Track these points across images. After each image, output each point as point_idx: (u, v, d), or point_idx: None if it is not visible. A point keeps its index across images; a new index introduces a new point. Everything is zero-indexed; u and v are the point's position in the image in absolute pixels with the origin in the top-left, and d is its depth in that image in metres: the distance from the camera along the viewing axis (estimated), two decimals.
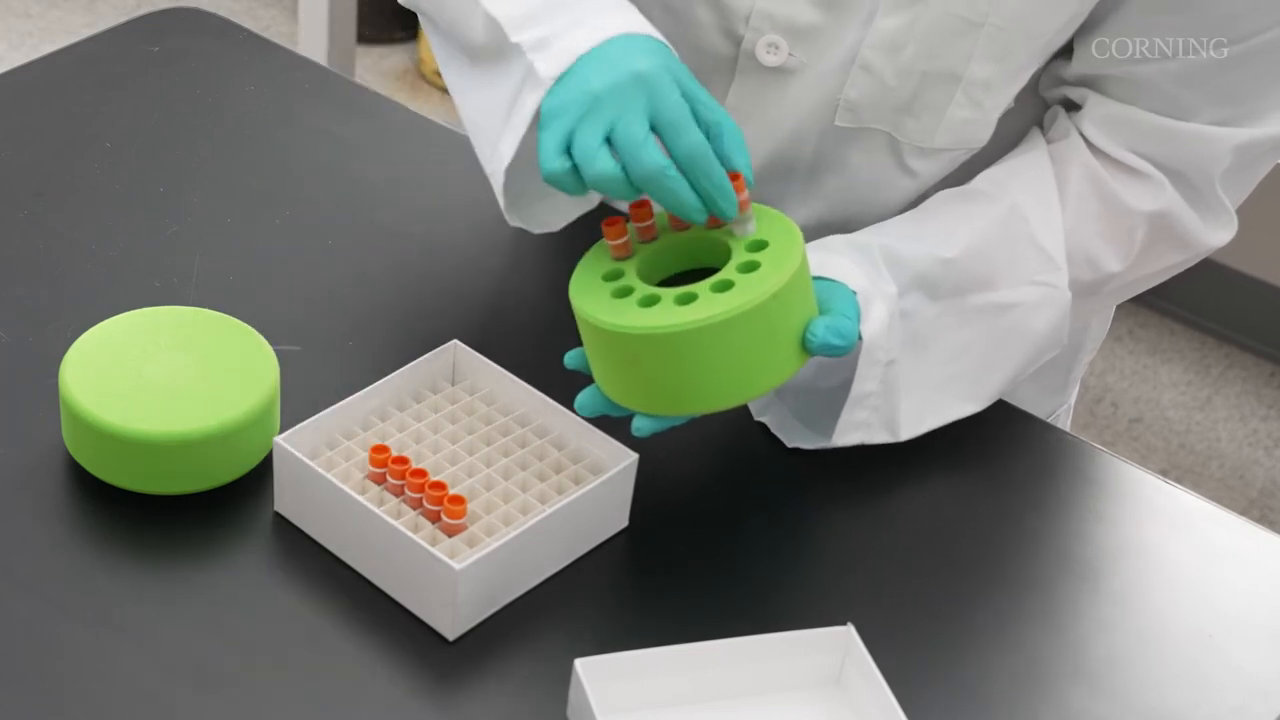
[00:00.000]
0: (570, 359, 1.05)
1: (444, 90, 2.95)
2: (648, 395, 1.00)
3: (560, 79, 1.02)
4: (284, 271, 1.25)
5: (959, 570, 1.09)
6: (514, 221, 1.12)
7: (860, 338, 1.05)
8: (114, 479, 1.05)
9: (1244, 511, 2.46)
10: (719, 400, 0.99)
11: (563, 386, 1.09)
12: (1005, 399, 1.21)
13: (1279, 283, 2.64)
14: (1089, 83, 1.16)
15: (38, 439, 1.09)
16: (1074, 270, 1.16)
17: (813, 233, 1.20)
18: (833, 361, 1.11)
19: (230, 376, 1.07)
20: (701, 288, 0.98)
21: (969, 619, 1.07)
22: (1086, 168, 1.16)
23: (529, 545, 1.02)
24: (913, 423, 1.13)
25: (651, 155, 0.98)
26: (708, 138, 1.00)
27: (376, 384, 1.09)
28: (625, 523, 1.08)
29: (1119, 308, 1.54)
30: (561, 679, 0.98)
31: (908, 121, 1.16)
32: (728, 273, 0.99)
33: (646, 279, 1.02)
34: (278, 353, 1.10)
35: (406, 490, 1.04)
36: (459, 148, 1.37)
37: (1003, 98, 1.15)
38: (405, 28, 3.22)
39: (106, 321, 1.10)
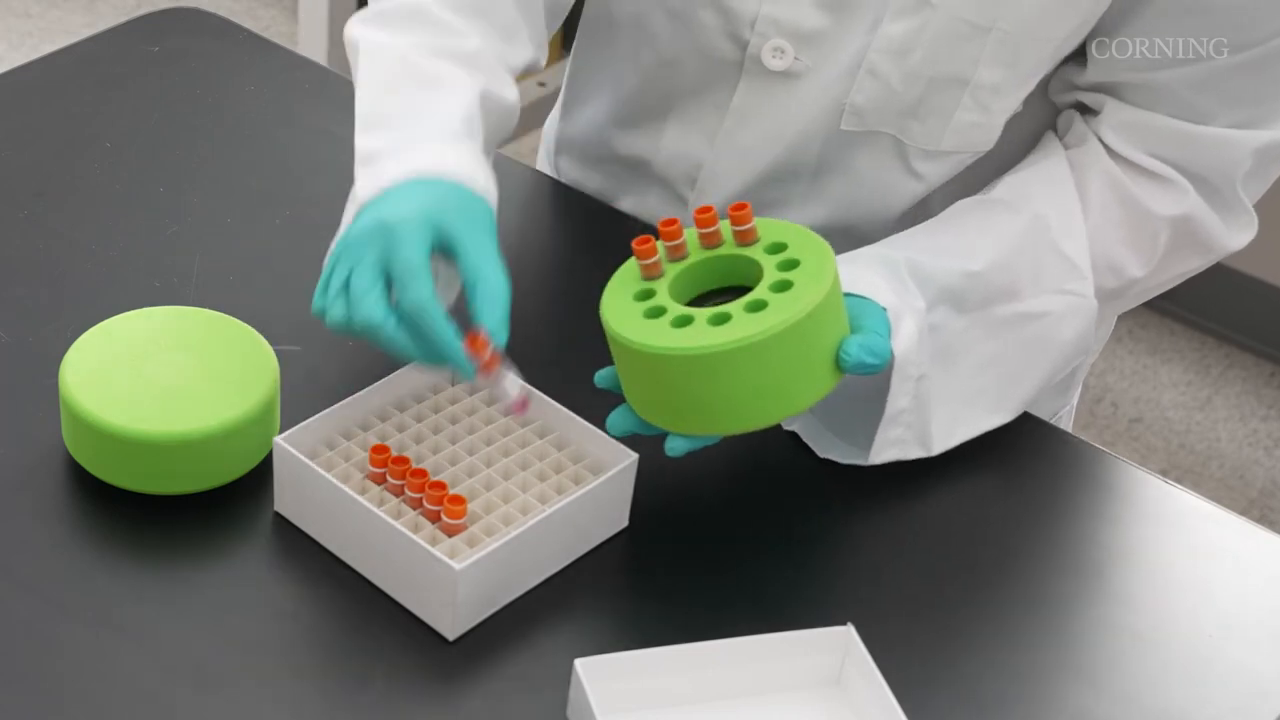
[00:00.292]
0: (600, 378, 1.05)
1: None
2: (682, 415, 1.00)
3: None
4: (284, 271, 1.25)
5: (959, 570, 1.09)
6: None
7: (892, 354, 1.05)
8: (114, 479, 1.05)
9: (1244, 511, 2.46)
10: (753, 420, 0.99)
11: (563, 386, 1.10)
12: None
13: (1279, 283, 2.64)
14: (1105, 88, 1.16)
15: (38, 439, 1.09)
16: (1098, 277, 1.15)
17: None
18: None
19: (230, 376, 1.07)
20: (735, 308, 0.98)
21: (969, 619, 1.07)
22: (1107, 174, 1.15)
23: (529, 545, 1.02)
24: (944, 436, 1.12)
25: (368, 308, 0.98)
26: (470, 289, 0.99)
27: (376, 384, 1.09)
28: (625, 523, 1.08)
29: None
30: (561, 679, 0.98)
31: (914, 125, 1.16)
32: (760, 292, 0.98)
33: (677, 298, 1.01)
34: (278, 353, 1.10)
35: (406, 490, 1.04)
36: None
37: (1011, 102, 1.15)
38: None
39: (106, 321, 1.10)
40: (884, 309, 1.05)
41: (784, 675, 0.99)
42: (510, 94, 1.15)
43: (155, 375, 1.06)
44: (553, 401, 1.08)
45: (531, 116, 2.11)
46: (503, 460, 1.07)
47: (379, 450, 1.05)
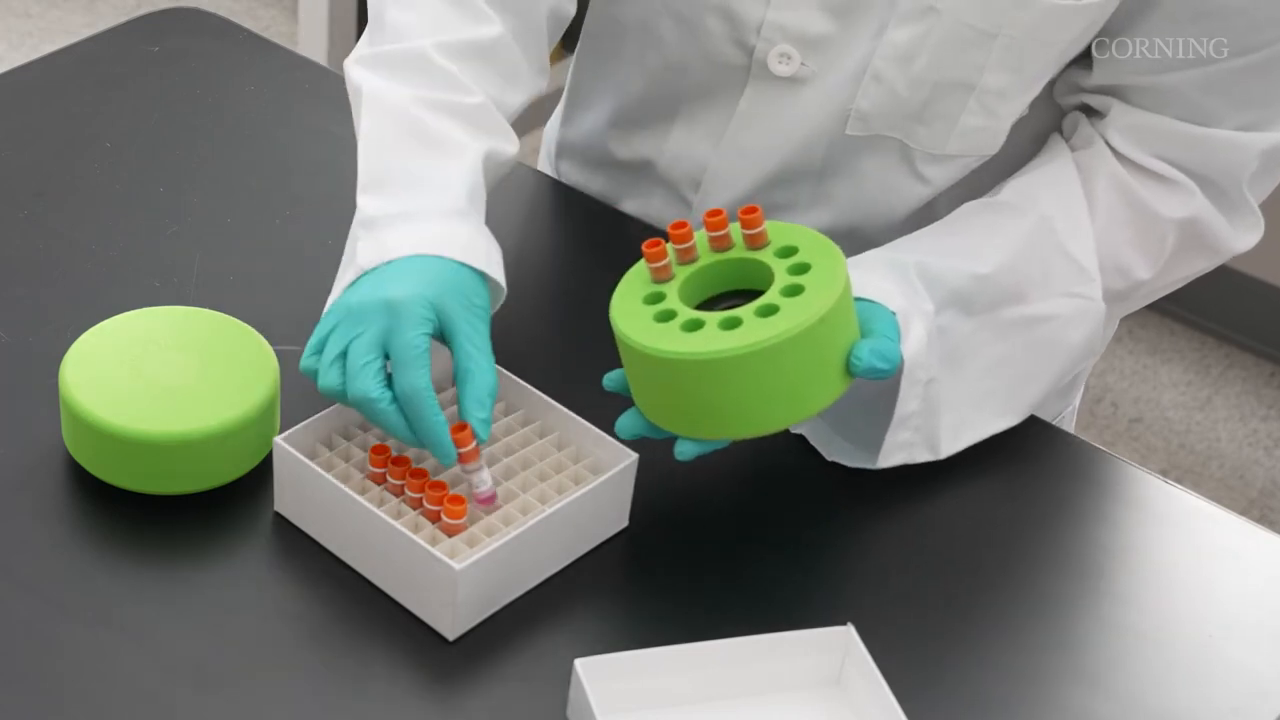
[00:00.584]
0: (609, 381, 1.05)
1: None
2: (692, 420, 1.00)
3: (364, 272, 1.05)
4: (284, 271, 1.25)
5: (959, 570, 1.09)
6: None
7: (901, 358, 1.05)
8: (114, 479, 1.05)
9: (1244, 511, 2.46)
10: (764, 425, 0.99)
11: (563, 387, 1.10)
12: None
13: (1279, 283, 2.64)
14: (1111, 91, 1.16)
15: (38, 439, 1.09)
16: (1105, 279, 1.15)
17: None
18: None
19: (230, 376, 1.07)
20: (746, 312, 0.98)
21: (969, 619, 1.07)
22: (1114, 176, 1.15)
23: (529, 545, 1.02)
24: (952, 439, 1.12)
25: (365, 382, 1.00)
26: (460, 380, 1.01)
27: None
28: (625, 523, 1.08)
29: None
30: (561, 679, 0.98)
31: (919, 129, 1.16)
32: (771, 296, 0.98)
33: (687, 301, 1.01)
34: (278, 353, 1.10)
35: (406, 490, 1.04)
36: None
37: (1016, 106, 1.15)
38: None
39: (106, 321, 1.10)
40: (894, 314, 1.05)
41: (784, 675, 0.99)
42: (511, 149, 1.16)
43: (155, 375, 1.06)
44: (553, 402, 1.08)
45: (532, 116, 2.10)
46: (503, 460, 1.07)
47: (379, 450, 1.05)
